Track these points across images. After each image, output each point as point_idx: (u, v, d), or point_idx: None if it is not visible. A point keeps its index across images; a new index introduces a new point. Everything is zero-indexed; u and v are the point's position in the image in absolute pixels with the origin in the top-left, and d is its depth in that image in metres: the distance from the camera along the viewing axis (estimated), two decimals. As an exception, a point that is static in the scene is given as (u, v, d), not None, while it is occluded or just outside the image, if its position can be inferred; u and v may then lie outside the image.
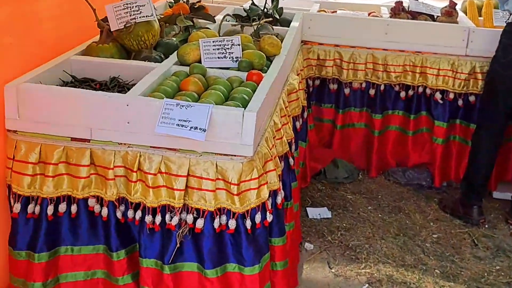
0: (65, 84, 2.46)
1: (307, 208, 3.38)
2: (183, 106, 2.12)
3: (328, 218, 3.31)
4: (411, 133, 3.90)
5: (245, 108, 2.13)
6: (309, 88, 3.91)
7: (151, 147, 2.15)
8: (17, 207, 2.14)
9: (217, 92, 2.30)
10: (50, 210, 2.16)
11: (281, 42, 2.97)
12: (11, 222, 2.18)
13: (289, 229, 2.67)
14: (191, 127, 2.09)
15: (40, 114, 2.16)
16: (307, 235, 3.15)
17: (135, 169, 2.14)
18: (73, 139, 2.17)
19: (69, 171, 2.17)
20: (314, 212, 3.33)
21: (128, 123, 2.14)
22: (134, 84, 2.45)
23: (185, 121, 2.09)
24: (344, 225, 3.27)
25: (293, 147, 2.89)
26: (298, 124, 3.18)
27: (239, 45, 2.67)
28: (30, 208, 2.16)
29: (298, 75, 3.49)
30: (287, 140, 2.77)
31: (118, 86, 2.49)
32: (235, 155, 2.13)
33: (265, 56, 2.70)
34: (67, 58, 2.57)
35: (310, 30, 3.89)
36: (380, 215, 3.41)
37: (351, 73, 3.87)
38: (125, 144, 2.16)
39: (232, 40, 2.67)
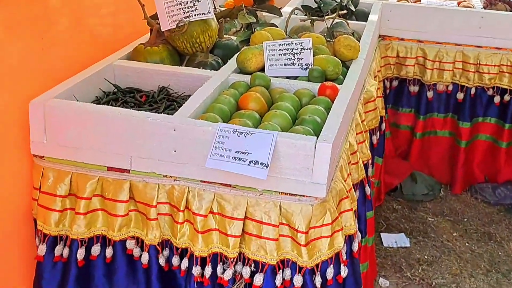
0: (105, 95, 2.10)
1: (381, 234, 2.94)
2: (241, 133, 1.72)
3: (407, 247, 2.86)
4: (505, 144, 3.37)
5: (317, 137, 1.71)
6: (385, 90, 3.43)
7: (201, 181, 1.76)
8: (42, 249, 1.81)
9: (283, 113, 1.89)
10: (81, 253, 1.81)
11: (358, 42, 2.51)
12: (36, 265, 1.85)
13: (363, 270, 2.25)
14: (250, 161, 1.68)
15: (71, 138, 1.81)
16: (382, 268, 2.72)
17: (182, 208, 1.76)
18: (109, 168, 1.80)
19: (104, 207, 1.81)
20: (389, 239, 2.89)
21: (174, 151, 1.75)
22: (186, 97, 2.07)
23: (243, 153, 1.69)
24: (426, 257, 2.81)
25: (370, 169, 2.45)
26: (375, 139, 2.73)
27: (310, 49, 2.23)
28: (57, 250, 1.82)
29: (375, 77, 3.02)
30: (363, 162, 2.33)
31: (168, 98, 2.11)
32: (303, 196, 1.72)
33: (340, 63, 2.25)
34: (110, 64, 2.21)
35: (389, 23, 3.39)
36: (467, 244, 2.93)
37: (435, 74, 3.37)
38: (170, 176, 1.78)
39: (302, 43, 2.24)
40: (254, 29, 2.61)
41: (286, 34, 2.59)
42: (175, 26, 2.27)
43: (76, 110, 1.82)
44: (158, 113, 1.86)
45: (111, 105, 2.03)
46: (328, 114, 1.90)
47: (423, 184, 3.35)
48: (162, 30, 2.29)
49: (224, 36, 2.55)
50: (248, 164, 1.67)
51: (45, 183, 1.82)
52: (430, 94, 3.40)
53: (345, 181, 1.95)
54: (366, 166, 2.37)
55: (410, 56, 3.39)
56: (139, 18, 2.34)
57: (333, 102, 1.99)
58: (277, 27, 2.63)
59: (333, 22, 2.70)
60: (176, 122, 1.76)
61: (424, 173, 3.43)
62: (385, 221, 3.08)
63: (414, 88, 3.43)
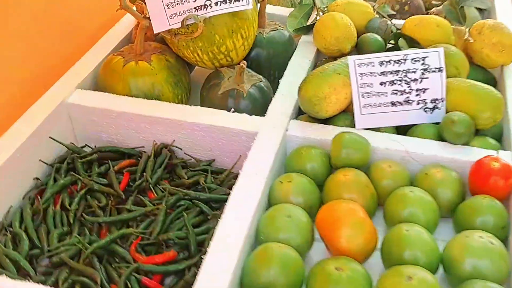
0: (54, 169, 1.09)
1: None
2: None
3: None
4: None
5: None
6: None
7: None
8: None
9: (417, 255, 0.87)
10: None
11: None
12: None
13: None
14: None
15: None
16: None
17: None
18: None
19: None
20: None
21: None
22: (202, 171, 1.08)
23: None
24: None
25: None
26: None
27: (441, 70, 1.15)
28: None
29: None
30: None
31: (172, 178, 1.10)
32: None
33: (502, 99, 1.17)
34: (60, 103, 1.17)
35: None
36: None
37: None
38: None
39: (424, 58, 1.15)
40: (319, 8, 1.51)
41: (374, 12, 1.49)
42: (179, 26, 1.19)
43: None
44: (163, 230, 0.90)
45: (60, 222, 1.03)
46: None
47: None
48: (155, 32, 1.21)
49: (268, 21, 1.45)
50: None
51: None
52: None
53: None
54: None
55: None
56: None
57: (509, 213, 0.97)
58: None
59: (458, -7, 1.56)
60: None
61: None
62: None
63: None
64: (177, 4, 1.18)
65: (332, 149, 1.08)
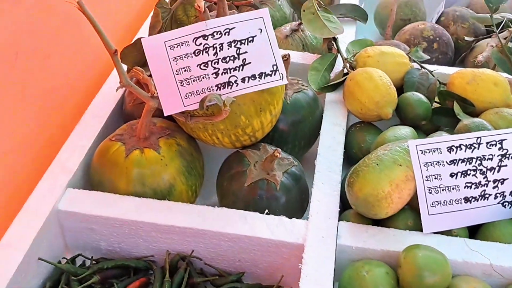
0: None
1: None
2: None
3: None
4: None
5: None
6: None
7: None
8: None
9: None
10: None
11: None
12: None
13: None
14: None
15: None
16: None
17: None
18: None
19: None
20: None
21: None
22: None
23: None
24: None
25: None
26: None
27: (519, 155, 0.94)
28: None
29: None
30: None
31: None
32: None
33: None
34: (50, 212, 0.91)
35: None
36: None
37: None
38: None
39: (500, 141, 0.93)
40: (337, 48, 1.28)
41: (410, 60, 1.27)
42: (197, 107, 0.94)
43: None
44: None
45: None
46: None
47: None
48: (166, 114, 0.96)
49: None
50: None
51: None
52: None
53: None
54: None
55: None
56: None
57: None
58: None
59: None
60: None
61: None
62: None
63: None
64: (194, 81, 0.93)
65: (403, 271, 0.85)
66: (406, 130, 1.07)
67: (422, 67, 1.27)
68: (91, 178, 1.01)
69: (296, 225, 0.92)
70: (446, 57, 1.50)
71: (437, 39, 1.50)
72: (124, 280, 0.93)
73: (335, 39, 1.30)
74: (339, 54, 1.29)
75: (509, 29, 1.30)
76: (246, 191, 0.99)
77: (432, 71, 1.25)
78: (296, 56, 1.33)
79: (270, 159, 0.98)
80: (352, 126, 1.20)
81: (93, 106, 1.13)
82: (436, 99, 1.21)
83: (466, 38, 1.51)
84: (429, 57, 1.35)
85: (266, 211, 0.95)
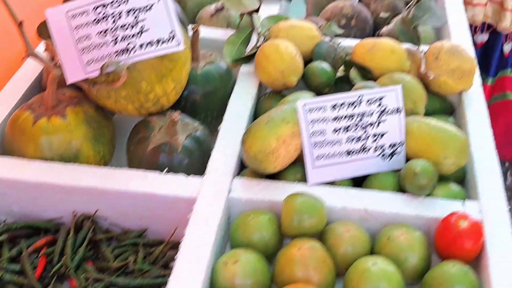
0: None
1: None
2: None
3: None
4: None
5: None
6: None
7: None
8: None
9: None
10: None
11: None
12: None
13: None
14: None
15: None
16: None
17: None
18: None
19: None
20: None
21: None
22: (133, 244, 0.93)
23: None
24: None
25: None
26: None
27: (399, 111, 1.02)
28: None
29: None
30: None
31: (97, 255, 0.94)
32: None
33: (468, 141, 1.04)
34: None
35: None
36: None
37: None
38: None
39: (381, 97, 1.01)
40: (260, 32, 1.35)
41: (321, 34, 1.34)
42: (97, 74, 1.01)
43: None
44: None
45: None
46: None
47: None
48: (68, 83, 1.03)
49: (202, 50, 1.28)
50: None
51: None
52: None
53: None
54: None
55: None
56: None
57: (479, 276, 0.85)
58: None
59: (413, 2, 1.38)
60: None
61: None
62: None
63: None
64: (94, 48, 1.00)
65: (283, 216, 0.93)
66: (306, 95, 1.14)
67: (331, 40, 1.34)
68: (5, 147, 1.07)
69: (192, 182, 0.99)
70: (364, 33, 1.57)
71: (355, 16, 1.57)
72: (32, 237, 1.00)
73: (251, 14, 1.37)
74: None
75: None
76: (149, 153, 1.06)
77: (339, 43, 1.33)
78: (220, 33, 1.40)
79: (171, 123, 1.05)
80: (263, 95, 1.27)
81: (13, 80, 1.19)
82: (343, 68, 1.29)
83: (381, 14, 1.59)
84: (342, 31, 1.43)
85: (166, 169, 1.02)
